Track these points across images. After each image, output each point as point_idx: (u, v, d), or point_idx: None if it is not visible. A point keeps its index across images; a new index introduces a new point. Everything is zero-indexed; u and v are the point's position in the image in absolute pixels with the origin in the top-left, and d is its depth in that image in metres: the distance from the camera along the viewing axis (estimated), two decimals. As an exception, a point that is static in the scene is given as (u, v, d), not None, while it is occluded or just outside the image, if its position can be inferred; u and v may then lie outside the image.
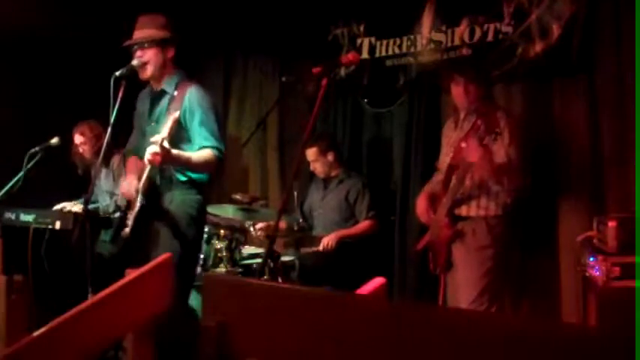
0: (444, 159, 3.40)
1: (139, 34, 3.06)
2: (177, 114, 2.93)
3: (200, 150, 2.98)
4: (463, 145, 3.09)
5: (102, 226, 4.14)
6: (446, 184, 3.26)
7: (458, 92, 3.35)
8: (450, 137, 3.45)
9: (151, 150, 2.78)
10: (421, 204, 3.45)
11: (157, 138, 2.77)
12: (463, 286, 3.21)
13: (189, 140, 3.02)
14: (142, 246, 2.96)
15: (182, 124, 2.99)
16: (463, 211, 3.25)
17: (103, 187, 4.40)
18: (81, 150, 4.44)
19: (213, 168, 3.06)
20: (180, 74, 3.13)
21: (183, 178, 3.03)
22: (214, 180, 3.46)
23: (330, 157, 4.38)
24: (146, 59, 3.02)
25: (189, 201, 3.04)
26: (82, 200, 4.42)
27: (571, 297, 3.51)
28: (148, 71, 3.04)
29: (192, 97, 3.01)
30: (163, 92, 3.10)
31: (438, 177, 3.49)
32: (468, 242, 3.23)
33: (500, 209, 3.21)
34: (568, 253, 3.53)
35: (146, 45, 3.03)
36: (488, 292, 3.17)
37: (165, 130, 2.88)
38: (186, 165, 2.97)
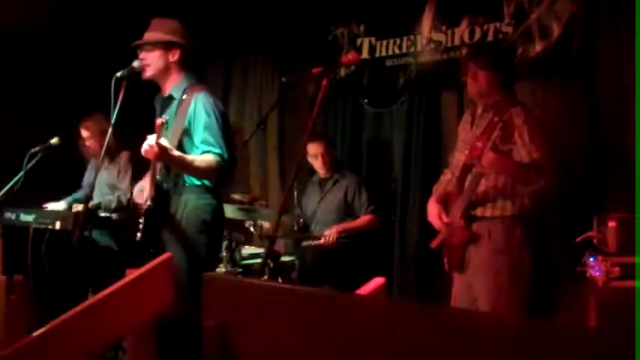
0: (459, 156, 3.23)
1: (145, 36, 3.06)
2: (184, 124, 2.92)
3: (202, 155, 2.93)
4: (478, 144, 2.98)
5: (101, 227, 4.15)
6: (460, 183, 3.10)
7: (479, 81, 3.11)
8: (466, 133, 3.26)
9: (147, 142, 2.73)
10: (432, 208, 3.25)
11: (152, 137, 2.72)
12: (476, 294, 3.07)
13: (196, 147, 2.96)
14: (154, 250, 2.92)
15: (189, 131, 2.97)
16: (478, 211, 3.09)
17: (105, 180, 4.40)
18: (87, 144, 4.45)
19: (214, 174, 2.96)
20: (190, 79, 3.08)
21: (197, 182, 2.99)
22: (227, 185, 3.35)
23: (332, 154, 4.41)
24: (147, 62, 3.01)
25: (203, 205, 2.98)
26: (69, 199, 4.44)
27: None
28: (148, 73, 3.03)
29: (198, 103, 2.96)
30: (171, 97, 3.07)
31: (447, 176, 3.36)
32: (484, 246, 3.06)
33: (518, 210, 3.05)
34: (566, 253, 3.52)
35: (148, 47, 3.03)
36: (503, 300, 3.01)
37: (173, 138, 2.88)
38: (188, 167, 2.91)
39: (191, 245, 2.92)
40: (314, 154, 4.34)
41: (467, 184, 3.08)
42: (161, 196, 2.97)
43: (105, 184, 4.40)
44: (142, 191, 3.01)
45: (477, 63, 3.14)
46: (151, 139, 2.71)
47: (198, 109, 2.95)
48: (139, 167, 2.98)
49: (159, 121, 2.70)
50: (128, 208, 4.18)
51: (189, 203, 2.97)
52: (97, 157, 4.42)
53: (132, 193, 4.13)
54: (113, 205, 4.23)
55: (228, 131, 3.03)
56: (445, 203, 3.23)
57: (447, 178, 3.35)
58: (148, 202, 2.91)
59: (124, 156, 4.36)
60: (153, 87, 3.15)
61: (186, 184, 2.99)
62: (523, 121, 2.97)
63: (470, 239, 3.10)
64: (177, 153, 2.84)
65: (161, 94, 3.15)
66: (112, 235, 4.18)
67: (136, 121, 3.08)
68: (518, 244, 3.05)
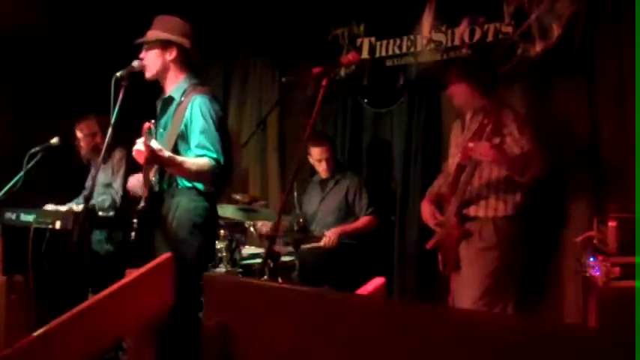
0: (452, 161, 3.34)
1: (147, 35, 3.04)
2: (180, 127, 2.90)
3: (197, 158, 2.88)
4: (470, 145, 3.03)
5: (100, 227, 4.15)
6: (454, 184, 3.18)
7: (458, 94, 3.30)
8: (457, 138, 3.40)
9: (135, 147, 2.72)
10: (425, 209, 3.38)
11: (140, 141, 2.69)
12: (466, 287, 3.16)
13: (191, 151, 2.92)
14: (146, 251, 2.90)
15: (184, 135, 2.93)
16: (471, 211, 3.19)
17: (100, 180, 4.39)
18: (82, 144, 4.45)
19: (208, 178, 2.91)
20: (191, 80, 3.04)
21: (188, 185, 2.96)
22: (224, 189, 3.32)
23: (335, 156, 4.42)
24: (146, 60, 3.00)
25: (194, 208, 2.94)
26: (76, 201, 4.44)
27: (572, 298, 3.50)
28: (148, 74, 3.02)
29: (195, 106, 2.92)
30: (171, 98, 3.04)
31: (440, 181, 3.46)
32: (474, 243, 3.17)
33: (510, 209, 3.14)
34: (568, 252, 3.53)
35: (147, 46, 3.01)
36: (492, 293, 3.11)
37: (169, 140, 2.87)
38: (178, 169, 2.86)
39: (181, 247, 2.86)
40: (318, 158, 4.34)
41: (460, 183, 3.14)
42: (155, 197, 2.95)
43: (101, 184, 4.40)
44: (138, 181, 2.99)
45: (452, 77, 3.32)
46: (139, 143, 2.69)
47: (195, 113, 2.91)
48: (132, 166, 2.95)
49: (146, 125, 2.68)
50: (122, 207, 4.18)
51: (181, 205, 2.93)
52: (91, 159, 4.43)
53: (125, 190, 4.13)
54: (106, 205, 4.23)
55: (225, 137, 2.98)
56: (439, 205, 3.30)
57: (439, 183, 3.43)
58: (142, 204, 2.90)
59: (117, 154, 4.34)
60: (150, 86, 3.14)
61: (179, 187, 2.97)
62: (512, 120, 3.08)
63: (463, 236, 3.19)
64: (167, 154, 2.78)
65: (163, 94, 3.14)
66: (110, 237, 4.18)
67: (131, 120, 3.07)
68: (509, 240, 3.16)
